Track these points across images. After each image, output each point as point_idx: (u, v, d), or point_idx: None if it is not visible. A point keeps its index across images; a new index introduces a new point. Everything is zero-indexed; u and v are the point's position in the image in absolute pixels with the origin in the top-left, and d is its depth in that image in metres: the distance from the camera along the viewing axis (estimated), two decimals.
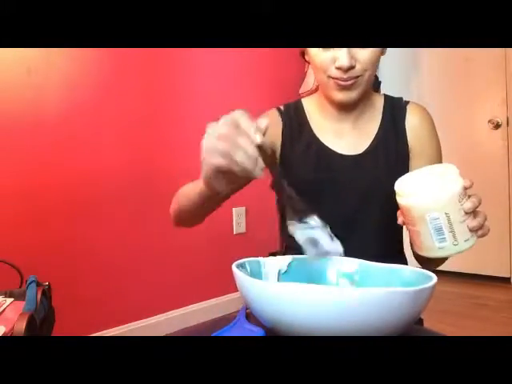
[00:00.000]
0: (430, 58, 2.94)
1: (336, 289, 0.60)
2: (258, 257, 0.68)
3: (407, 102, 0.95)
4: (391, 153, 0.91)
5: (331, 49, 0.83)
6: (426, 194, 0.61)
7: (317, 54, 0.85)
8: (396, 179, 0.68)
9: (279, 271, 0.68)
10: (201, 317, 2.10)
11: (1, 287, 0.86)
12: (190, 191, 0.79)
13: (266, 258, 0.68)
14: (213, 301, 2.27)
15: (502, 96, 2.71)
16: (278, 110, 0.99)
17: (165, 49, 2.05)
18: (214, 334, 0.61)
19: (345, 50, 0.81)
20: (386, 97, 0.97)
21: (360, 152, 0.92)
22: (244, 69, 2.46)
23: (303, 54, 0.94)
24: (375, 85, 2.79)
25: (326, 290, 0.49)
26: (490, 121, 2.74)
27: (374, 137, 0.92)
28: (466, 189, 0.62)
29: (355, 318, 0.47)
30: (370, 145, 0.92)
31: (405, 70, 3.05)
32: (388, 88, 2.87)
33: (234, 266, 0.59)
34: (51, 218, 1.71)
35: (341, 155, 0.92)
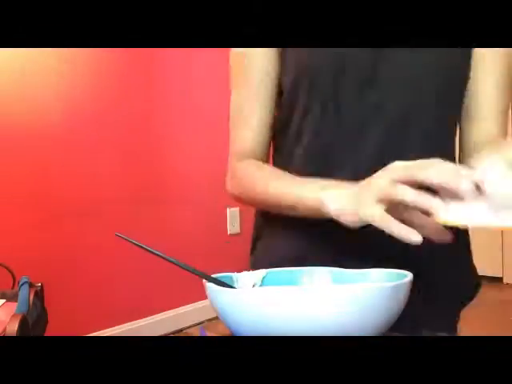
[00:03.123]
0: None
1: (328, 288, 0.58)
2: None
3: None
4: None
5: None
6: None
7: None
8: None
9: (254, 286, 0.67)
10: (197, 317, 2.09)
11: None
12: (282, 199, 0.70)
13: (239, 274, 0.67)
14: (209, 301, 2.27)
15: None
16: None
17: (164, 49, 2.04)
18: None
19: None
20: None
21: None
22: None
23: None
24: None
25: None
26: None
27: None
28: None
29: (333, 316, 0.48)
30: None
31: None
32: None
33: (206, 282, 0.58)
34: (48, 218, 1.70)
35: None
